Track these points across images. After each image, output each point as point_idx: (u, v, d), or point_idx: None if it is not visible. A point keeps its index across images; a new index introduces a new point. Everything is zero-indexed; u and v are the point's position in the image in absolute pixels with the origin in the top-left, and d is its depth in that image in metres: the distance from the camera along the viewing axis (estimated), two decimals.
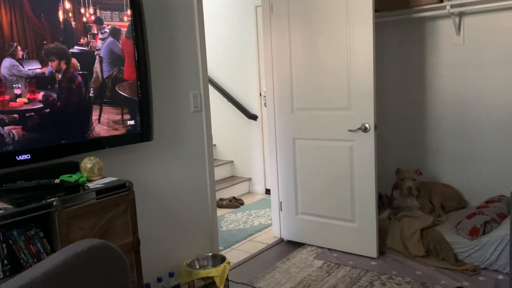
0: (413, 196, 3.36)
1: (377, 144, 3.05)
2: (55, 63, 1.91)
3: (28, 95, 1.83)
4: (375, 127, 3.00)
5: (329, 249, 3.35)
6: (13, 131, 1.80)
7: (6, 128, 1.77)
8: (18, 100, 1.80)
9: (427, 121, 3.63)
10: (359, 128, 3.05)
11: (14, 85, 1.78)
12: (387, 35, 3.75)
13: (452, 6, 3.22)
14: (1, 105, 1.75)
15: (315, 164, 3.31)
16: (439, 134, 3.58)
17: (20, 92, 1.81)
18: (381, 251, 3.19)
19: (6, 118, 1.77)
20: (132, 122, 2.26)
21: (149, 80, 2.33)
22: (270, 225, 3.91)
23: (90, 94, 2.07)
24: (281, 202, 3.57)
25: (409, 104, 3.71)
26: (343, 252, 3.28)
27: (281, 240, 3.62)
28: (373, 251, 3.13)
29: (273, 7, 3.33)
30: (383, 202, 3.63)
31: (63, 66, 1.95)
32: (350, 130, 3.08)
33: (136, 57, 2.25)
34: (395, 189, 3.50)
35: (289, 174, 3.46)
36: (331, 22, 3.07)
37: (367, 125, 3.01)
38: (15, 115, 1.80)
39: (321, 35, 3.13)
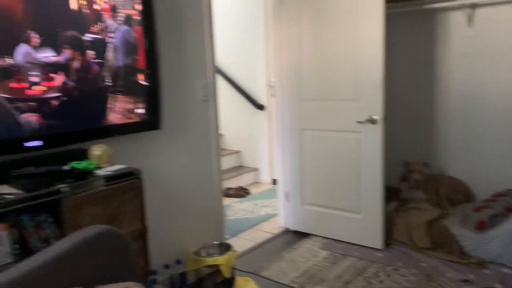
0: (420, 188, 3.35)
1: (384, 135, 3.04)
2: (70, 51, 1.92)
3: (45, 83, 1.85)
4: (384, 119, 2.99)
5: (335, 240, 3.36)
6: (30, 118, 1.82)
7: (23, 115, 1.80)
8: (35, 87, 1.82)
9: (435, 113, 3.61)
10: (367, 120, 3.03)
11: (30, 73, 1.80)
12: (397, 26, 3.71)
13: None
14: (19, 92, 1.77)
15: (322, 155, 3.31)
16: (448, 126, 3.56)
17: (36, 80, 1.82)
18: (387, 243, 3.19)
19: (23, 105, 1.79)
20: (141, 111, 2.28)
21: (158, 69, 2.33)
22: (276, 215, 3.93)
23: (106, 83, 2.08)
24: (287, 192, 3.58)
25: (417, 96, 3.69)
26: (349, 243, 3.28)
27: (287, 230, 3.63)
28: (378, 243, 3.14)
29: None
30: (390, 194, 3.63)
31: (78, 54, 1.95)
32: (358, 122, 3.07)
33: (146, 46, 2.25)
34: (402, 181, 3.50)
35: (296, 164, 3.47)
36: (341, 12, 3.05)
37: (375, 117, 2.99)
38: (33, 103, 1.82)
39: (331, 26, 3.11)
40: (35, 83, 1.82)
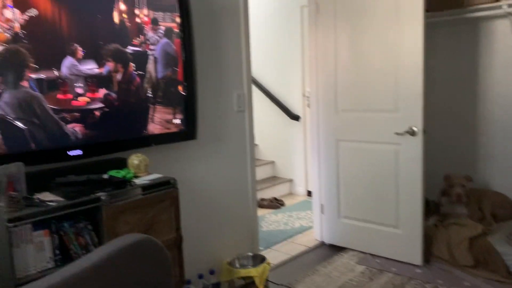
0: (462, 203, 3.23)
1: (425, 147, 2.95)
2: (112, 63, 1.98)
3: (89, 94, 1.92)
4: (424, 131, 2.90)
5: (371, 254, 3.27)
6: (76, 128, 1.89)
7: (69, 125, 1.87)
8: (79, 99, 1.89)
9: (478, 124, 3.48)
10: (406, 131, 2.96)
11: (75, 84, 1.87)
12: (438, 35, 3.61)
13: (509, 6, 3.06)
14: (65, 103, 1.84)
15: (359, 167, 3.25)
16: (491, 138, 3.41)
17: (81, 91, 1.89)
18: (426, 259, 3.08)
19: (69, 116, 1.86)
20: (178, 121, 2.31)
21: (196, 80, 2.37)
22: (311, 227, 3.87)
23: (146, 94, 2.13)
24: (322, 205, 3.53)
25: (459, 106, 3.57)
26: (386, 258, 3.19)
27: (322, 244, 3.58)
28: (417, 259, 3.03)
29: (320, 7, 3.30)
30: (430, 208, 3.51)
31: (121, 66, 2.02)
32: (396, 133, 3.00)
33: (183, 58, 2.30)
34: (443, 195, 3.38)
35: (332, 176, 3.42)
36: (379, 22, 3.00)
37: (414, 129, 2.92)
38: (77, 113, 1.89)
39: (368, 35, 3.07)
40: (80, 95, 1.89)
